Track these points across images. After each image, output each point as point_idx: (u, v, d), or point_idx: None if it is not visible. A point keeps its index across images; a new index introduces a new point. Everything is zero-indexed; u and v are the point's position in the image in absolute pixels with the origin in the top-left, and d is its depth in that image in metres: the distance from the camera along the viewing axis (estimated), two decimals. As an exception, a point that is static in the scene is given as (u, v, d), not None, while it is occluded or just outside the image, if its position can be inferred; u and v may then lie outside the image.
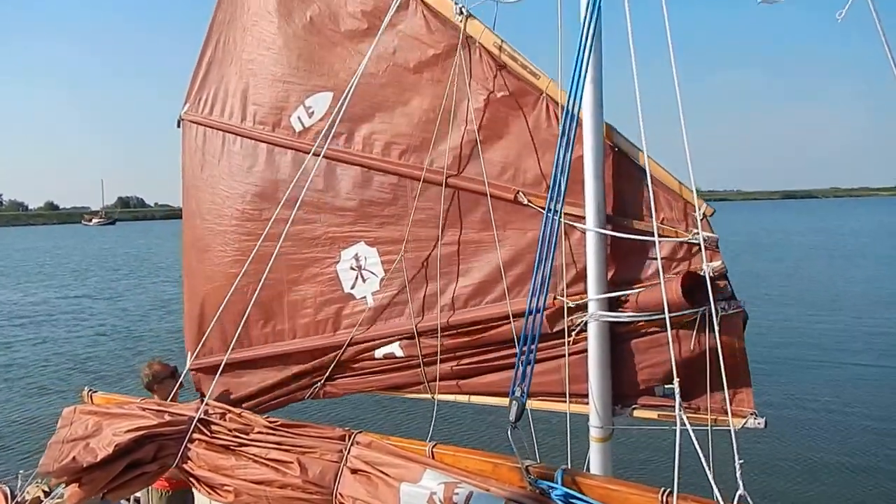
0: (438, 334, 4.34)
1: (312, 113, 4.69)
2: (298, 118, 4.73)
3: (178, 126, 5.35)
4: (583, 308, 3.88)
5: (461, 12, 4.24)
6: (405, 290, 4.45)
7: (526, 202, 4.05)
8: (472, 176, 4.26)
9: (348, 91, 4.27)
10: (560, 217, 3.70)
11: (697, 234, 3.62)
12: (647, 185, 3.49)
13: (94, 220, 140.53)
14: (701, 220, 3.60)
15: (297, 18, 4.78)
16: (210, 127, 5.13)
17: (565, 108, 3.73)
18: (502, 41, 4.18)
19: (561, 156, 3.64)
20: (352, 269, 4.62)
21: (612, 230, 3.76)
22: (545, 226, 3.64)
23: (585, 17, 3.62)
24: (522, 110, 4.14)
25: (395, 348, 4.52)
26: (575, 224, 3.87)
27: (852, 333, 19.35)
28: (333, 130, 4.46)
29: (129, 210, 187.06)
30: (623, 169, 3.86)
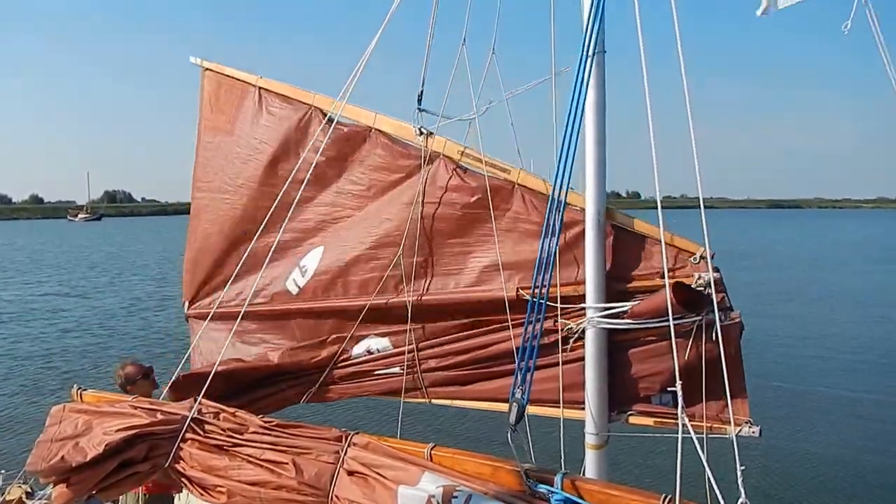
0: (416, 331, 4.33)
1: (306, 271, 4.71)
2: (294, 280, 4.75)
3: (187, 321, 5.38)
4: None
5: (421, 132, 4.32)
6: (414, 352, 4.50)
7: (535, 299, 3.99)
8: (465, 288, 4.31)
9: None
10: (546, 302, 3.68)
11: (701, 277, 3.66)
12: (662, 252, 3.52)
13: (80, 216, 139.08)
14: (698, 262, 3.72)
15: (272, 184, 4.77)
16: (213, 319, 5.10)
17: (550, 198, 3.70)
18: (464, 148, 4.26)
19: (547, 244, 3.64)
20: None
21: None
22: (531, 311, 3.61)
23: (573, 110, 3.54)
24: (501, 207, 4.18)
25: (395, 370, 4.59)
26: (576, 312, 3.90)
27: (842, 342, 19.76)
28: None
29: (116, 205, 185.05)
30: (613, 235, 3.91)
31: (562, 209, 3.62)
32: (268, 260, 4.25)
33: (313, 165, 4.32)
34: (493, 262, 4.20)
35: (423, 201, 4.32)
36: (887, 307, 25.96)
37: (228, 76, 5.00)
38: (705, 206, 3.02)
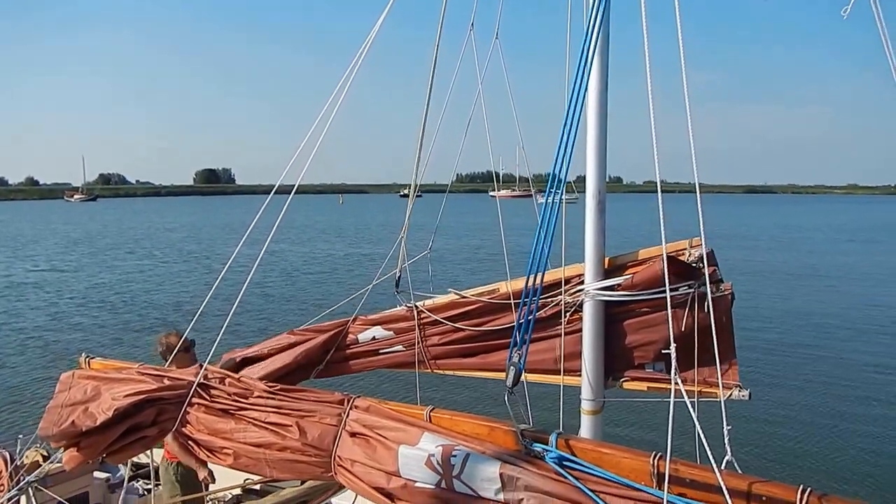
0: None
1: None
2: None
3: None
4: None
5: (408, 308, 4.69)
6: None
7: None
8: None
9: None
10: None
11: (692, 254, 3.80)
12: (661, 225, 3.46)
13: (76, 197, 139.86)
14: (691, 247, 3.82)
15: None
16: None
17: (551, 175, 3.60)
18: (455, 297, 4.56)
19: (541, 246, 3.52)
20: None
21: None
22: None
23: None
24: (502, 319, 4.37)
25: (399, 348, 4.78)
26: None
27: (824, 313, 20.58)
28: None
29: (111, 187, 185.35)
30: None
31: (562, 186, 3.65)
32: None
33: None
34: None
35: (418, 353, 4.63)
36: (854, 282, 27.40)
37: None
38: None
